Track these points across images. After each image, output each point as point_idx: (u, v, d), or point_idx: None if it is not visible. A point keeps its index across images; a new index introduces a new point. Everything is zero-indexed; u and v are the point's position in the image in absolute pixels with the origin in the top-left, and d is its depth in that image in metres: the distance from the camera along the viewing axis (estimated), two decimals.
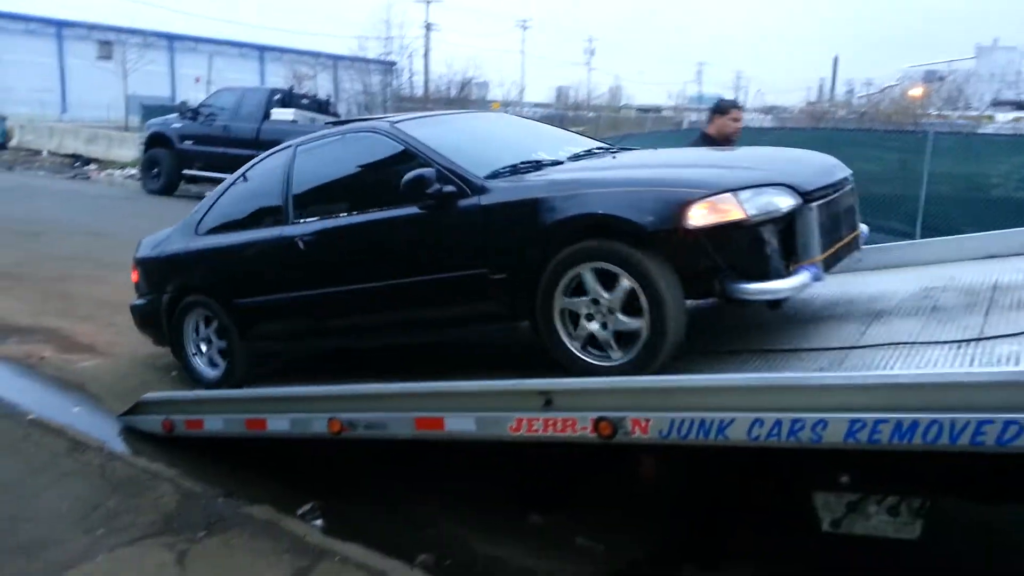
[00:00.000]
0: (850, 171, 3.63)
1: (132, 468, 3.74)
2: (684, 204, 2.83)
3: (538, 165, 3.59)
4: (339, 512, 3.53)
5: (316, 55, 48.92)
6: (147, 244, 5.03)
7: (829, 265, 3.11)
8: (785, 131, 16.60)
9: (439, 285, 3.46)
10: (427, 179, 3.35)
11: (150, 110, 20.09)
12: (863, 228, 3.67)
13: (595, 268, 2.98)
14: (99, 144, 22.14)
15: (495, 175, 3.44)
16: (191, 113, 14.07)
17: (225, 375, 4.46)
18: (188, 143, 14.06)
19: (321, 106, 14.50)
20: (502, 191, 3.31)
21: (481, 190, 3.34)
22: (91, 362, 5.28)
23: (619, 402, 2.68)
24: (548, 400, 2.84)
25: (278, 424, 3.61)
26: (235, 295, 4.30)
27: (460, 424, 3.04)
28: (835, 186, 3.30)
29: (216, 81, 33.30)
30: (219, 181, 5.64)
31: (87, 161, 21.17)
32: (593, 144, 4.24)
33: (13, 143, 24.53)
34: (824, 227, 3.05)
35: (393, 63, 56.15)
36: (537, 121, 4.79)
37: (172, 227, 4.94)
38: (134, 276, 5.07)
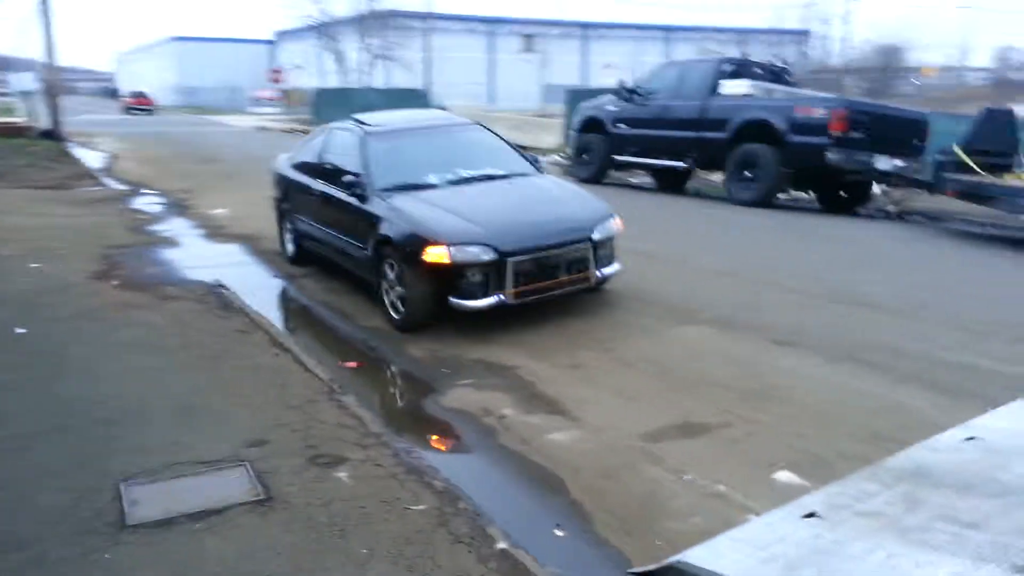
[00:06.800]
0: (595, 232, 5.48)
1: None
2: (423, 246, 5.05)
3: (417, 187, 5.81)
4: None
5: (722, 31, 46.39)
6: (277, 159, 7.94)
7: (526, 295, 5.17)
8: None
9: (351, 246, 6.09)
10: (351, 183, 5.90)
11: (576, 94, 19.52)
12: (606, 270, 5.64)
13: (391, 262, 5.45)
14: (525, 131, 22.52)
15: (385, 189, 5.75)
16: (627, 93, 12.69)
17: (295, 255, 7.45)
18: (622, 127, 12.71)
19: (776, 75, 12.07)
20: (375, 204, 5.67)
21: (369, 199, 5.75)
22: (566, 434, 3.74)
23: None
24: None
25: None
26: (295, 212, 7.28)
27: None
28: (552, 246, 5.25)
29: (626, 67, 32.76)
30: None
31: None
32: (501, 168, 6.30)
33: None
34: (525, 273, 5.13)
35: (807, 32, 51.11)
36: (503, 141, 6.84)
37: (289, 153, 7.82)
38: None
